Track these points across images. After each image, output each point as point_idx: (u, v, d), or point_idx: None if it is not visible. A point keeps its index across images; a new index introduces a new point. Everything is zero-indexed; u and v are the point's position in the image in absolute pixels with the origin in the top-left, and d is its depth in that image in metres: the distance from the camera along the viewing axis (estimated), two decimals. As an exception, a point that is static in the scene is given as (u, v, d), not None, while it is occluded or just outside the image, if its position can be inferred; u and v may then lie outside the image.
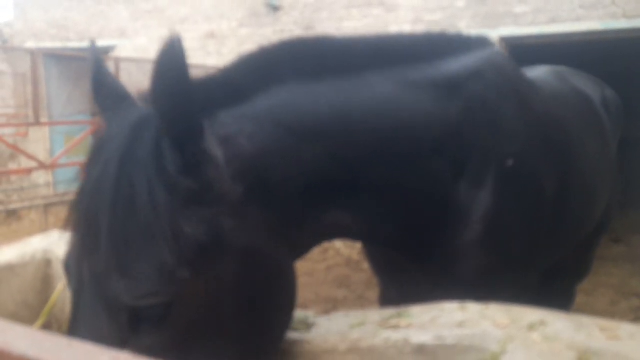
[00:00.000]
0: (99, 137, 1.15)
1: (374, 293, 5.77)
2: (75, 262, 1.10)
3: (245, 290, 1.14)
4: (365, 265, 6.61)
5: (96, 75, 1.30)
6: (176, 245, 1.02)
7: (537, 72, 2.77)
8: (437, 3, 7.59)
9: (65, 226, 1.15)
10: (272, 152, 1.23)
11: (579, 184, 2.17)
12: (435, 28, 7.58)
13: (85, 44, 10.80)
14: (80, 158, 9.06)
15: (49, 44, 11.29)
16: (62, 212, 9.00)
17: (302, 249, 1.41)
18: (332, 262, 6.98)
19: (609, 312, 5.82)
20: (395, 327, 1.38)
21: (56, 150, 10.36)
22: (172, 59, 1.03)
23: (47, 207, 7.41)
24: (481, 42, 1.86)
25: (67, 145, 7.93)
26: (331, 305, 5.60)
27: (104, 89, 1.29)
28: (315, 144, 1.31)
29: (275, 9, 8.71)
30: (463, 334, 1.26)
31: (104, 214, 1.02)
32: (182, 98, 1.06)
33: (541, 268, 2.34)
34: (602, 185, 2.50)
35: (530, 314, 1.31)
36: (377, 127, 1.43)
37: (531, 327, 1.24)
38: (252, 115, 1.24)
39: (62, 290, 1.99)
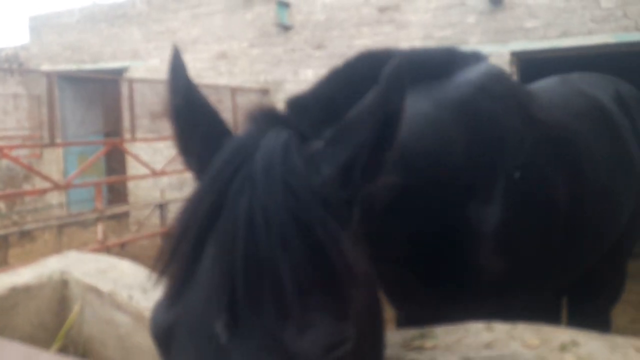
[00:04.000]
0: (216, 167, 0.92)
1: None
2: (199, 317, 0.82)
3: (367, 310, 1.06)
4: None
5: (185, 90, 1.06)
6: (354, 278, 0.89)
7: (544, 82, 2.74)
8: (447, 19, 7.61)
9: (176, 278, 0.88)
10: None
11: (593, 188, 2.11)
12: (446, 44, 7.60)
13: (99, 66, 11.01)
14: (94, 178, 9.14)
15: (63, 66, 11.50)
16: (76, 233, 9.04)
17: None
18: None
19: (630, 329, 5.65)
20: (420, 348, 1.34)
21: (70, 171, 10.47)
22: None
23: (61, 227, 7.44)
24: (476, 56, 1.87)
25: (81, 165, 8.00)
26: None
27: (192, 106, 1.06)
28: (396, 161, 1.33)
29: (285, 28, 8.79)
30: (491, 355, 1.22)
31: (279, 257, 0.81)
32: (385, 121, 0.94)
33: (560, 282, 2.27)
34: (621, 187, 2.38)
35: (561, 334, 1.26)
36: (425, 145, 1.47)
37: (563, 348, 1.19)
38: None
39: (78, 312, 1.97)
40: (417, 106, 1.48)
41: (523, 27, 7.10)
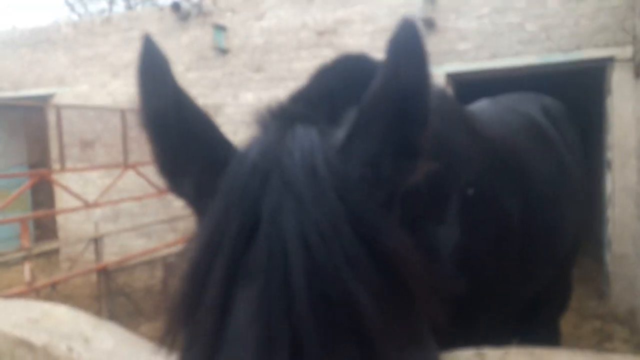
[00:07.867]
0: (234, 183, 0.72)
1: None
2: None
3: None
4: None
5: (172, 91, 0.85)
6: None
7: (476, 105, 2.83)
8: (384, 42, 7.77)
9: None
10: None
11: (541, 200, 2.14)
12: (384, 66, 7.73)
13: (20, 93, 10.32)
14: (18, 214, 8.44)
15: (-20, 95, 10.68)
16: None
17: None
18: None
19: (574, 335, 5.88)
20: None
21: (-11, 206, 9.62)
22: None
23: (-20, 269, 6.76)
24: None
25: (3, 201, 7.35)
26: None
27: (182, 113, 0.83)
28: None
29: (223, 52, 8.65)
30: (490, 386, 1.13)
31: (350, 282, 0.64)
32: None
33: (521, 296, 2.27)
34: (565, 198, 2.46)
35: (556, 356, 1.20)
36: None
37: (563, 372, 1.13)
38: None
39: (7, 371, 1.70)
40: None
41: (455, 50, 7.38)
